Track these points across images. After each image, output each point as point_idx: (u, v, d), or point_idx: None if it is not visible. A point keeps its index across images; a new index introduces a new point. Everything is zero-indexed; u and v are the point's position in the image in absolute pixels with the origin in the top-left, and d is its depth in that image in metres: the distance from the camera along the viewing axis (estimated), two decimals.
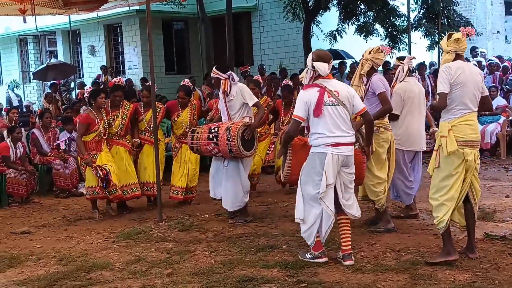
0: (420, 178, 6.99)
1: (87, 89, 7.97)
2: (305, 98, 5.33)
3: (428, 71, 13.68)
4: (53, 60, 18.08)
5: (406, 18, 14.50)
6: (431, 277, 4.85)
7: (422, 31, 15.18)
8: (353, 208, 5.45)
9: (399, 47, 15.22)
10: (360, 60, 6.47)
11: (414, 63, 9.87)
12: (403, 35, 15.02)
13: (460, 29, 5.44)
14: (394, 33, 15.21)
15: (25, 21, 11.33)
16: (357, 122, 6.01)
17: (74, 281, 5.14)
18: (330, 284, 4.77)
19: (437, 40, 14.68)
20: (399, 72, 6.74)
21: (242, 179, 6.96)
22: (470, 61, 13.95)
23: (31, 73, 21.18)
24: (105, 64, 20.00)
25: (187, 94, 8.06)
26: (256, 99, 6.98)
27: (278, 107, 8.65)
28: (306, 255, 5.47)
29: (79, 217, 7.69)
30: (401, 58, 6.92)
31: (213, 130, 6.79)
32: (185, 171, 7.98)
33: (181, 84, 8.29)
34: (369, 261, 5.35)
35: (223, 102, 6.93)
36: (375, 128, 5.98)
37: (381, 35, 15.68)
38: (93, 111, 7.53)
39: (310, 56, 5.41)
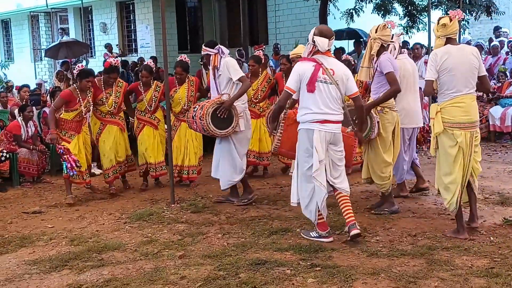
0: (413, 155, 6.93)
1: (78, 66, 7.79)
2: (299, 70, 5.34)
3: None
4: (65, 38, 17.98)
5: None
6: (448, 263, 4.76)
7: (442, 9, 14.83)
8: (344, 183, 5.46)
9: (418, 27, 14.95)
10: (368, 40, 6.27)
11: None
12: (423, 14, 14.72)
13: (448, 12, 5.52)
14: (413, 12, 14.90)
15: None
16: (368, 103, 5.95)
17: (86, 262, 5.10)
18: (345, 268, 4.69)
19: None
20: (390, 50, 6.47)
21: (233, 157, 6.81)
22: (493, 41, 13.72)
23: (42, 50, 21.13)
24: (117, 42, 19.89)
25: (185, 69, 7.87)
26: (242, 74, 6.71)
27: (278, 80, 8.47)
28: (311, 233, 5.50)
29: (91, 198, 7.64)
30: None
31: (195, 109, 6.75)
32: (181, 150, 7.90)
33: (178, 59, 8.12)
34: (385, 246, 5.25)
35: (213, 78, 6.80)
36: (379, 108, 6.06)
37: (399, 14, 15.38)
38: (77, 90, 7.34)
39: (313, 30, 5.40)
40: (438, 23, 5.40)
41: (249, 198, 6.93)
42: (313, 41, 5.34)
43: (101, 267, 4.97)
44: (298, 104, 5.59)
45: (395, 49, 6.50)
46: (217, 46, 6.77)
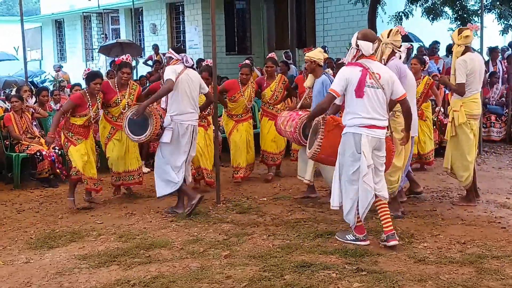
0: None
1: (85, 70, 7.42)
2: (346, 75, 5.30)
3: (500, 56, 13.01)
4: (122, 38, 18.42)
5: (478, 0, 13.88)
6: (498, 272, 4.65)
7: (495, 13, 14.51)
8: (384, 191, 5.43)
9: None
10: (380, 45, 6.04)
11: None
12: (474, 18, 14.41)
13: (467, 25, 6.73)
14: (464, 15, 14.60)
15: None
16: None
17: (133, 258, 5.18)
18: (391, 274, 4.63)
19: (511, 23, 14.02)
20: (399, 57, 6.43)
21: (163, 169, 6.60)
22: None
23: (94, 50, 21.62)
24: (166, 43, 20.16)
25: (210, 75, 7.56)
26: (168, 77, 6.36)
27: (298, 82, 8.36)
28: (347, 236, 5.48)
29: (139, 195, 7.75)
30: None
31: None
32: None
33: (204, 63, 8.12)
34: (433, 252, 5.17)
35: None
36: (390, 113, 5.94)
37: (450, 17, 15.09)
38: (87, 94, 7.01)
39: (356, 34, 5.37)
40: (459, 33, 6.53)
41: (192, 204, 6.53)
42: (357, 45, 5.31)
43: (148, 264, 5.04)
44: (342, 110, 5.56)
45: (400, 58, 6.39)
46: (183, 54, 6.66)
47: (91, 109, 6.97)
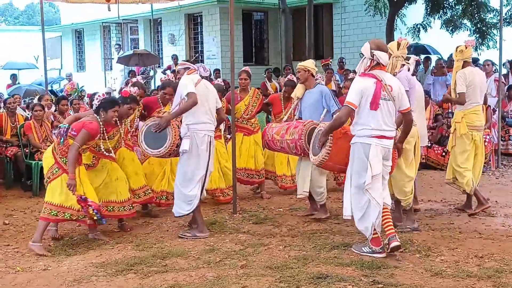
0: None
1: (98, 96, 6.40)
2: (361, 87, 5.32)
3: None
4: (140, 48, 18.61)
5: (497, 13, 13.82)
6: None
7: None
8: (387, 198, 5.52)
9: (488, 44, 14.56)
10: (391, 58, 5.81)
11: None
12: (493, 30, 14.34)
13: (464, 41, 7.01)
14: (483, 28, 14.54)
15: (109, 9, 11.66)
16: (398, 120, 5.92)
17: (150, 267, 5.21)
18: (408, 287, 4.61)
19: None
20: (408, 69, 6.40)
21: (178, 187, 6.28)
22: None
23: (112, 60, 21.82)
24: (185, 53, 20.30)
25: (175, 90, 6.62)
26: (190, 90, 6.04)
27: (273, 101, 8.22)
28: (363, 248, 5.48)
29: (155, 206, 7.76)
30: (406, 58, 6.58)
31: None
32: (161, 175, 7.27)
33: (164, 78, 7.70)
34: (450, 266, 5.13)
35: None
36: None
37: (469, 29, 15.03)
38: (101, 123, 6.08)
39: (368, 45, 5.39)
40: (456, 50, 6.84)
41: (195, 235, 6.20)
42: (372, 56, 5.32)
43: (164, 272, 5.07)
44: (351, 118, 5.58)
45: (409, 70, 6.41)
46: (198, 64, 6.52)
47: (101, 140, 6.17)
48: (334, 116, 6.21)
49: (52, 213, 5.82)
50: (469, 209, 7.02)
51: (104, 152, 6.25)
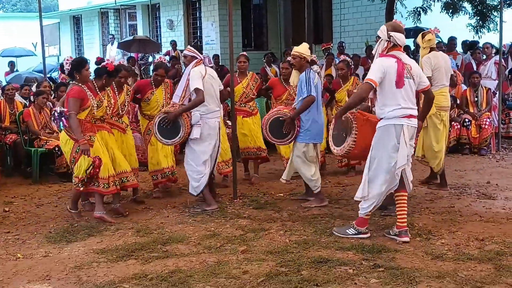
0: None
1: (67, 60, 6.54)
2: (384, 65, 5.31)
3: None
4: (140, 34, 18.51)
5: None
6: None
7: None
8: (410, 182, 5.54)
9: (488, 27, 14.46)
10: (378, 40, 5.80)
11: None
12: (494, 13, 14.24)
13: (429, 29, 7.28)
14: (483, 10, 14.43)
15: None
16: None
17: (150, 253, 5.22)
18: (409, 270, 4.61)
19: None
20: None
21: (188, 167, 6.69)
22: None
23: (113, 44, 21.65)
24: (183, 39, 20.20)
25: (167, 72, 7.63)
26: (197, 86, 6.41)
27: (274, 85, 8.27)
28: (348, 231, 5.52)
29: (164, 193, 7.72)
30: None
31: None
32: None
33: (156, 61, 7.98)
34: (450, 249, 5.14)
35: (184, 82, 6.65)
36: None
37: (469, 12, 14.93)
38: (80, 84, 6.23)
39: (384, 27, 5.41)
40: (423, 37, 7.08)
41: (204, 209, 6.59)
42: (389, 37, 5.34)
43: (165, 258, 5.07)
44: (375, 101, 5.51)
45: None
46: (204, 54, 6.76)
47: (93, 98, 6.30)
48: (306, 99, 6.49)
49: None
50: (434, 179, 7.62)
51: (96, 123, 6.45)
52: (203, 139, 6.61)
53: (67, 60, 6.56)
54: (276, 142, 7.10)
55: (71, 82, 6.47)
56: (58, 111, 6.07)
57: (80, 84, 6.21)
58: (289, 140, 6.79)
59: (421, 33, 7.28)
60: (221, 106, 6.91)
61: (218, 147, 6.82)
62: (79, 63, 6.30)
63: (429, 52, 7.11)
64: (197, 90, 6.43)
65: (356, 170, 8.43)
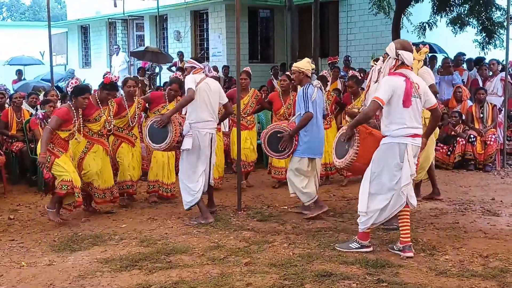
0: None
1: (71, 83, 6.89)
2: (392, 85, 5.31)
3: None
4: (152, 46, 18.70)
5: (504, 11, 13.75)
6: None
7: None
8: (414, 198, 5.50)
9: (495, 43, 14.49)
10: (384, 59, 5.88)
11: None
12: (500, 29, 14.28)
13: (420, 46, 7.22)
14: (490, 27, 14.47)
15: (115, 5, 11.68)
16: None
17: (154, 263, 5.22)
18: (412, 286, 4.61)
19: None
20: (372, 72, 6.19)
21: (181, 183, 6.77)
22: None
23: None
24: (190, 50, 20.29)
25: (181, 87, 7.54)
26: (189, 86, 6.50)
27: (273, 99, 8.51)
28: (350, 245, 5.52)
29: (160, 201, 7.79)
30: (376, 60, 6.56)
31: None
32: (164, 167, 7.70)
33: (172, 76, 8.13)
34: (454, 265, 5.13)
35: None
36: None
37: (476, 26, 14.95)
38: (73, 108, 6.63)
39: (393, 45, 5.42)
40: (417, 52, 6.78)
41: (199, 222, 6.59)
42: (397, 55, 5.35)
43: (169, 269, 5.08)
44: (380, 118, 5.53)
45: (376, 71, 6.27)
46: (205, 63, 6.81)
47: (76, 124, 6.62)
48: (303, 117, 6.59)
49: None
50: (437, 195, 7.69)
51: (93, 136, 6.88)
52: (196, 151, 6.61)
53: (72, 83, 6.89)
54: (274, 156, 7.13)
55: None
56: (41, 116, 6.69)
57: (72, 107, 6.61)
58: (287, 155, 6.84)
59: (415, 48, 7.10)
60: (217, 118, 6.86)
61: (210, 160, 6.79)
62: (80, 90, 6.64)
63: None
64: (188, 89, 6.50)
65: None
